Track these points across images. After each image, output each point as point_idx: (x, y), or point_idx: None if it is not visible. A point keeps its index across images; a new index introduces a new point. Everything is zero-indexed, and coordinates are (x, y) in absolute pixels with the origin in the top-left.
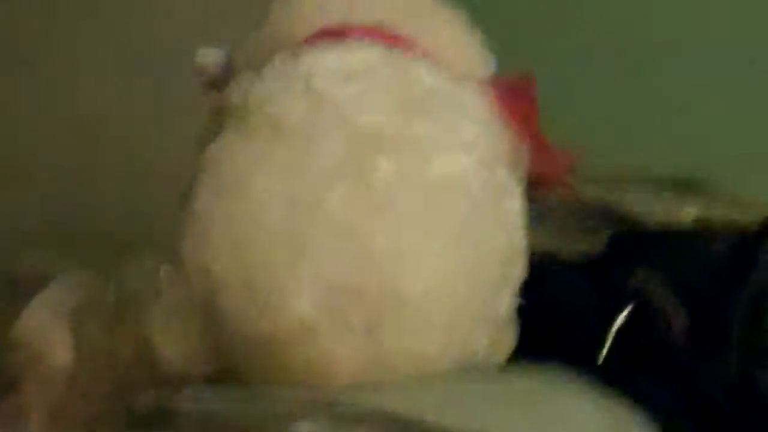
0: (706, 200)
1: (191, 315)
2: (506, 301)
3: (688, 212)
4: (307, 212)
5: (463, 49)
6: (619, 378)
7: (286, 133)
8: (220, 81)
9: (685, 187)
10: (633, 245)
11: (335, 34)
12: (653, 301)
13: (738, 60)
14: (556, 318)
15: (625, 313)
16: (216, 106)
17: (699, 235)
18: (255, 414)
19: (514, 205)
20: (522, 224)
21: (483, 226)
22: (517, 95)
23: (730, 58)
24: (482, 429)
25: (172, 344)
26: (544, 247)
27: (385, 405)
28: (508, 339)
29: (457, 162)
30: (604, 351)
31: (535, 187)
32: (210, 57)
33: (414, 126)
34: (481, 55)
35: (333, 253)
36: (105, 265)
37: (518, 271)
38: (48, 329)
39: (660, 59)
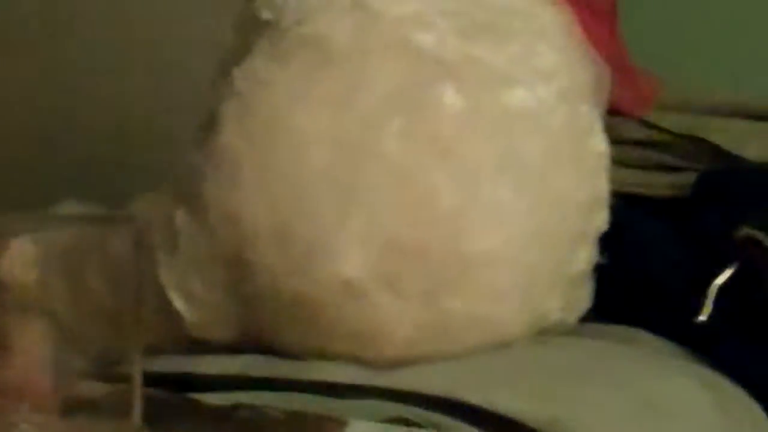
0: None
1: (213, 270)
2: (584, 257)
3: None
4: (358, 153)
5: None
6: (720, 345)
7: (331, 59)
8: None
9: None
10: (728, 188)
11: None
12: (762, 263)
13: None
14: (637, 273)
15: (728, 272)
16: (242, 20)
17: None
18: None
19: (598, 145)
20: (605, 168)
21: (563, 172)
22: (597, 11)
23: None
24: (555, 418)
25: (192, 304)
26: (622, 187)
27: (446, 384)
28: (583, 298)
29: (535, 94)
30: (706, 312)
31: (612, 116)
32: None
33: (484, 51)
34: None
35: (388, 204)
36: (110, 198)
37: (599, 222)
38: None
39: None
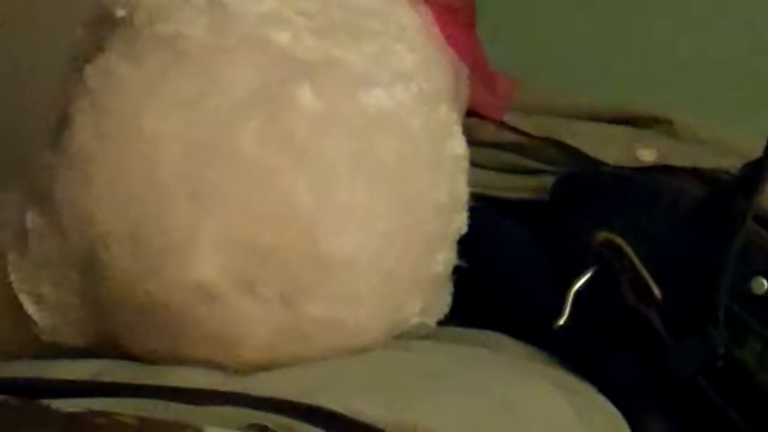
0: (666, 140)
1: (66, 273)
2: (443, 259)
3: (645, 153)
4: (212, 154)
5: None
6: (579, 349)
7: (185, 58)
8: None
9: (643, 124)
10: (586, 192)
11: None
12: (620, 267)
13: None
14: (497, 276)
15: (586, 276)
16: (94, 16)
17: (663, 183)
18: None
19: (457, 147)
20: (464, 170)
21: (421, 174)
22: (455, 14)
23: None
24: (413, 425)
25: (44, 308)
26: (481, 189)
27: (303, 389)
28: (443, 301)
29: (392, 95)
30: (564, 316)
31: (469, 118)
32: None
33: (341, 51)
34: None
35: (243, 206)
36: None
37: (458, 224)
38: None
39: None
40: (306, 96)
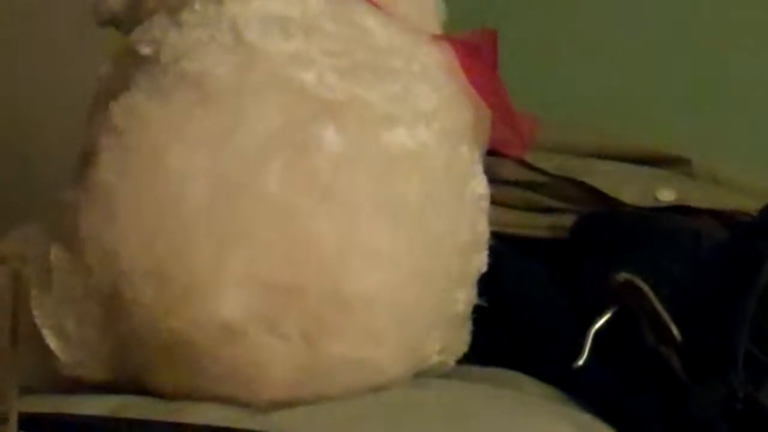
0: (685, 180)
1: (89, 308)
2: (463, 298)
3: (664, 193)
4: (237, 192)
5: None
6: (598, 390)
7: (210, 96)
8: (123, 18)
9: (661, 164)
10: (605, 232)
11: None
12: (640, 308)
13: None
14: (517, 315)
15: (606, 317)
16: (120, 52)
17: (683, 224)
18: None
19: (478, 186)
20: (485, 209)
21: (443, 213)
22: (477, 53)
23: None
24: None
25: (66, 343)
26: (501, 227)
27: (323, 428)
28: (462, 340)
29: (415, 135)
30: (584, 356)
31: (490, 156)
32: None
33: (365, 90)
34: (433, 2)
35: (266, 244)
36: None
37: (478, 264)
38: None
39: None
40: (330, 136)
